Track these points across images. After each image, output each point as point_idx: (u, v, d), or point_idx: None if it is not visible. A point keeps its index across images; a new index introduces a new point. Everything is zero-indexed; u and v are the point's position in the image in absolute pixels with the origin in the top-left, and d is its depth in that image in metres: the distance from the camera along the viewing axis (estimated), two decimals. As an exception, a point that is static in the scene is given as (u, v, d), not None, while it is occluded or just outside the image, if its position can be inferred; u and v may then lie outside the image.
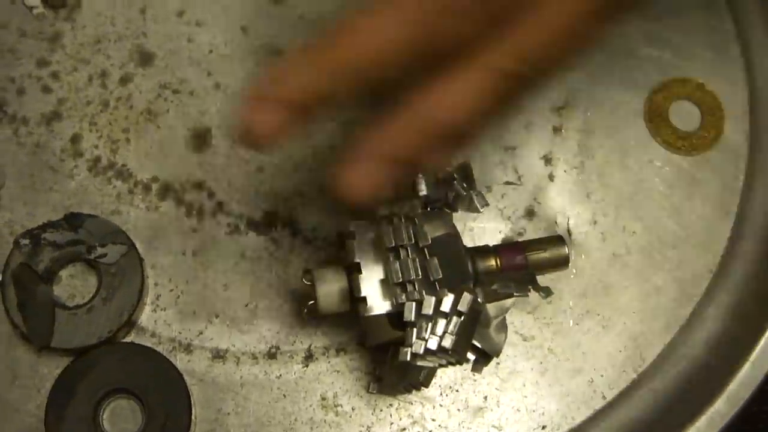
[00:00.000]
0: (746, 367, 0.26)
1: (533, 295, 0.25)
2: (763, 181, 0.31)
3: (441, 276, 0.22)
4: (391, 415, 0.27)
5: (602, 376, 0.28)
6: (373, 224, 0.23)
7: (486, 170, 0.30)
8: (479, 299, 0.22)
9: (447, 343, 0.21)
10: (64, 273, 0.28)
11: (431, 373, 0.24)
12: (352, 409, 0.27)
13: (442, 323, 0.21)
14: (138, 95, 0.30)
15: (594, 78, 0.31)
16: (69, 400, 0.26)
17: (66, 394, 0.26)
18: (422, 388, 0.24)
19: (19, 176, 0.30)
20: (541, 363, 0.28)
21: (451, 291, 0.21)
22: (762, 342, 0.27)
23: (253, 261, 0.29)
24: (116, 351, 0.27)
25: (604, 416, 0.28)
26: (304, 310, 0.24)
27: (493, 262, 0.24)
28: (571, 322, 0.28)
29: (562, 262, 0.24)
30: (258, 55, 0.31)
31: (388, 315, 0.23)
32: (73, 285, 0.28)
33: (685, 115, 0.32)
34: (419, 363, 0.22)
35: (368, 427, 0.27)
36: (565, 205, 0.30)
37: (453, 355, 0.21)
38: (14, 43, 0.31)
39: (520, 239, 0.28)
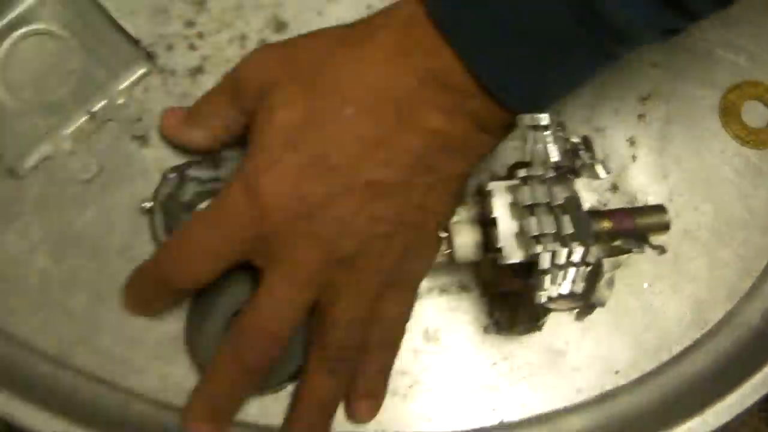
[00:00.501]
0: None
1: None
2: None
3: (572, 231, 0.25)
4: (484, 351, 0.31)
5: (669, 333, 0.31)
6: (509, 185, 0.27)
7: (577, 146, 0.33)
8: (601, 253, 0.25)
9: (578, 288, 0.24)
10: (204, 205, 0.32)
11: (547, 316, 0.27)
12: (451, 342, 0.31)
13: (572, 271, 0.25)
14: (272, 57, 0.35)
15: (677, 75, 0.35)
16: (207, 314, 0.30)
17: (204, 307, 0.30)
18: (536, 331, 0.28)
19: (165, 119, 0.34)
20: (617, 317, 0.31)
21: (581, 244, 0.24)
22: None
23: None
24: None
25: (668, 368, 0.31)
26: (441, 259, 0.28)
27: (605, 224, 0.27)
28: (646, 284, 0.32)
29: (664, 227, 0.28)
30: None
31: (511, 265, 0.26)
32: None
33: (754, 114, 0.35)
34: (550, 306, 0.25)
35: (464, 358, 0.31)
36: (644, 183, 0.34)
37: (579, 300, 0.25)
38: (166, 5, 0.35)
39: (605, 208, 0.32)
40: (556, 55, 0.26)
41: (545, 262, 0.25)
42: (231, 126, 0.30)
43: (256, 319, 0.27)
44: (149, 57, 0.34)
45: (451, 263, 0.29)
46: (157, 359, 0.32)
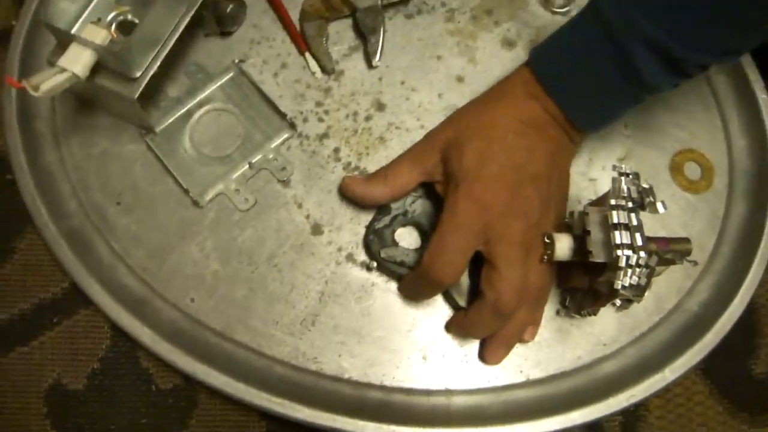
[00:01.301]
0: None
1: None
2: (736, 211, 0.48)
3: (641, 244, 0.36)
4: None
5: (639, 316, 0.45)
6: (600, 209, 0.38)
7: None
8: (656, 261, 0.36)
9: (642, 282, 0.35)
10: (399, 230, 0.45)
11: (603, 305, 0.39)
12: None
13: (638, 271, 0.36)
14: (375, 128, 0.48)
15: (641, 142, 0.49)
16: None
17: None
18: (594, 315, 0.41)
19: (301, 169, 0.47)
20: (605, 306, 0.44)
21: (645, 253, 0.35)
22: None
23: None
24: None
25: (639, 340, 0.45)
26: (544, 257, 0.40)
27: (653, 245, 0.38)
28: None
29: (688, 252, 0.39)
30: (447, 111, 0.48)
31: (594, 264, 0.37)
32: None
33: (692, 170, 0.49)
34: (622, 292, 0.35)
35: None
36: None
37: (640, 292, 0.35)
38: (303, 91, 0.49)
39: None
40: (611, 101, 0.41)
41: (623, 261, 0.36)
42: (409, 183, 0.43)
43: (511, 281, 0.38)
44: (292, 126, 0.47)
45: (547, 262, 0.40)
46: (290, 335, 0.43)
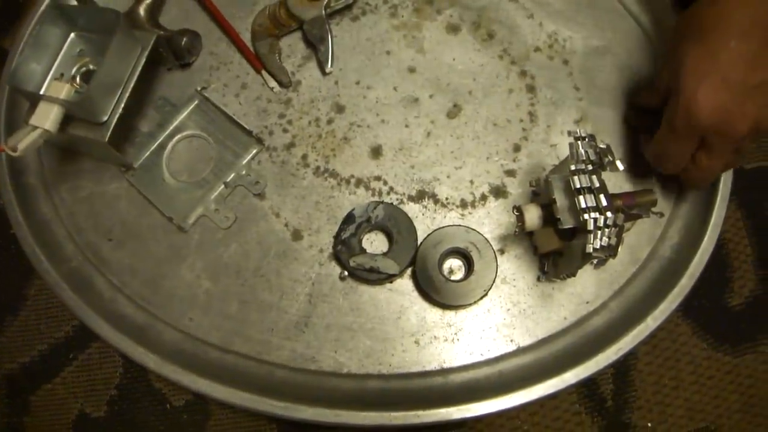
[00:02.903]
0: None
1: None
2: None
3: (606, 204, 0.35)
4: (500, 302, 0.42)
5: (617, 270, 0.44)
6: (561, 175, 0.38)
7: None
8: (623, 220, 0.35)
9: (613, 242, 0.35)
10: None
11: (580, 267, 0.38)
12: (517, 279, 0.43)
13: (607, 231, 0.35)
14: (338, 129, 0.48)
15: (595, 103, 0.48)
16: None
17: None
18: (572, 276, 0.40)
19: (274, 180, 0.47)
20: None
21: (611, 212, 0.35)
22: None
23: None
24: None
25: (619, 294, 0.44)
26: (515, 230, 0.39)
27: (619, 201, 0.38)
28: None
29: (653, 203, 0.39)
30: (404, 102, 0.48)
31: (564, 230, 0.37)
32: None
33: None
34: (594, 255, 0.35)
35: (487, 308, 0.42)
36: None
37: (612, 251, 0.35)
38: (265, 106, 0.49)
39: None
40: None
41: (591, 225, 0.35)
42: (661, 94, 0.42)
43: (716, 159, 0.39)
44: (259, 141, 0.48)
45: (520, 233, 0.40)
46: (286, 339, 0.44)
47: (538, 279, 0.44)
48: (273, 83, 0.49)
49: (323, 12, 0.49)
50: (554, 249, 0.42)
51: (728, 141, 0.38)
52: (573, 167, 0.37)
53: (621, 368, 0.44)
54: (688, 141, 0.39)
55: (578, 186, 0.37)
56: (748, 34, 0.37)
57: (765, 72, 0.37)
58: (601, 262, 0.41)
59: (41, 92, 0.45)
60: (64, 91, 0.43)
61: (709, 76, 0.37)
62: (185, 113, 0.49)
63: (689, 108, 0.37)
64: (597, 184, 0.36)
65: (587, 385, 0.44)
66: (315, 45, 0.49)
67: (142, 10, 0.50)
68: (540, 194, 0.44)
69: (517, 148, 0.47)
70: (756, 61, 0.37)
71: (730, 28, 0.37)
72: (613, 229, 0.35)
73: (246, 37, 0.50)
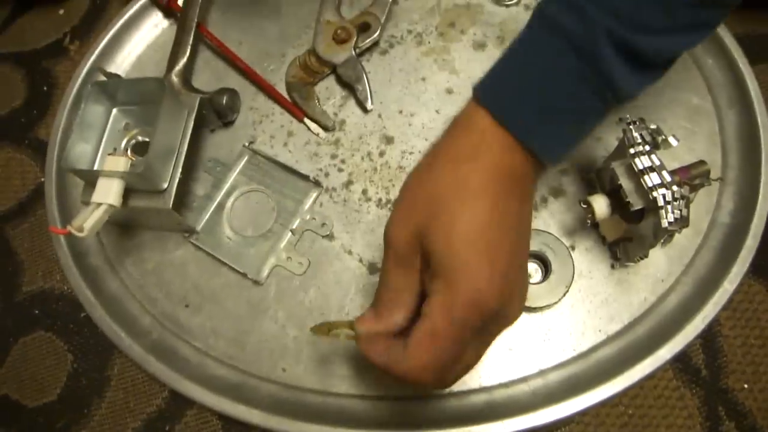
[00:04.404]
0: None
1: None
2: (729, 121, 0.48)
3: (670, 180, 0.36)
4: (534, 326, 0.42)
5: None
6: (622, 162, 0.38)
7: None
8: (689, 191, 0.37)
9: (685, 213, 0.36)
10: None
11: (653, 246, 0.39)
12: (593, 271, 0.43)
13: (676, 204, 0.36)
14: (391, 160, 0.48)
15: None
16: None
17: None
18: (645, 258, 0.40)
19: (339, 219, 0.47)
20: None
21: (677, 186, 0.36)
22: None
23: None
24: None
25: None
26: (587, 221, 0.39)
27: (677, 176, 0.38)
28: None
29: (707, 173, 0.40)
30: (448, 123, 0.48)
31: (624, 216, 0.37)
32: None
33: None
34: (670, 228, 0.36)
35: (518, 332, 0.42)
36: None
37: (685, 221, 0.36)
38: (316, 150, 0.49)
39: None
40: (580, 123, 0.32)
41: (661, 200, 0.36)
42: (413, 287, 0.31)
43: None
44: (317, 184, 0.48)
45: (591, 225, 0.40)
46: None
47: (612, 267, 0.44)
48: (318, 129, 0.49)
49: (353, 52, 0.49)
50: (622, 236, 0.43)
51: (508, 320, 0.31)
52: (632, 150, 0.38)
53: (708, 337, 0.45)
54: (472, 335, 0.30)
55: (641, 167, 0.38)
56: (507, 193, 0.31)
57: (526, 235, 0.32)
58: (668, 239, 0.41)
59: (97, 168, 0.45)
60: (122, 163, 0.43)
61: (489, 251, 0.29)
62: (237, 170, 0.49)
63: (477, 294, 0.29)
64: (658, 162, 0.38)
65: (680, 359, 0.44)
66: (351, 85, 0.49)
67: (175, 77, 0.50)
68: (596, 186, 0.45)
69: (562, 148, 0.48)
70: (518, 222, 0.31)
71: (493, 190, 0.30)
72: (681, 201, 0.37)
73: (281, 89, 0.51)
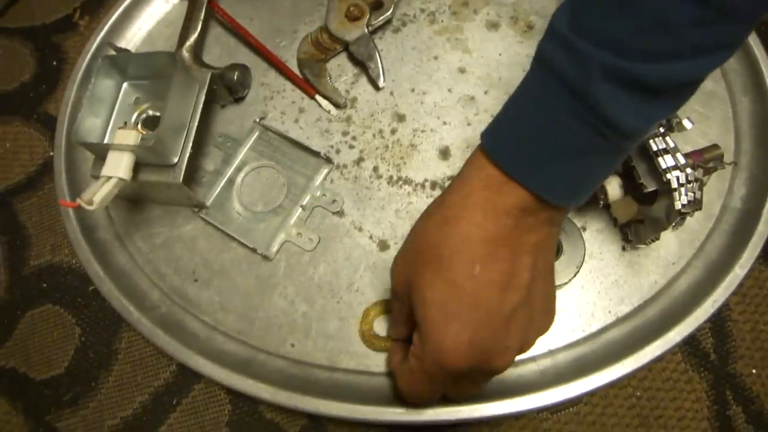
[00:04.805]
0: None
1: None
2: (742, 107, 0.48)
3: (684, 162, 0.36)
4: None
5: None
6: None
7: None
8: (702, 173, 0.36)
9: (698, 195, 0.36)
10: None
11: (666, 228, 0.38)
12: (603, 252, 0.43)
13: (689, 186, 0.36)
14: (403, 138, 0.48)
15: None
16: None
17: None
18: (657, 240, 0.40)
19: (350, 196, 0.47)
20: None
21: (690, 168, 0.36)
22: None
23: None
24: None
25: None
26: (600, 202, 0.39)
27: (690, 160, 0.38)
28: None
29: (720, 156, 0.39)
30: (461, 101, 0.48)
31: (637, 198, 0.37)
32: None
33: None
34: (683, 210, 0.35)
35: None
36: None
37: (698, 204, 0.36)
38: (327, 126, 0.49)
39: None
40: (585, 161, 0.30)
41: (675, 182, 0.36)
42: (409, 318, 0.35)
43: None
44: (328, 160, 0.47)
45: (603, 206, 0.40)
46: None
47: (623, 249, 0.44)
48: (329, 106, 0.49)
49: (366, 30, 0.48)
50: (634, 218, 0.42)
51: (493, 373, 0.32)
52: (650, 133, 0.38)
53: (717, 321, 0.44)
54: (443, 380, 0.33)
55: (655, 149, 0.37)
56: (491, 255, 0.30)
57: (516, 293, 0.31)
58: (680, 222, 0.41)
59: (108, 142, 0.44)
60: (132, 137, 0.42)
61: (458, 317, 0.30)
62: (248, 145, 0.48)
63: (440, 355, 0.30)
64: (672, 145, 0.37)
65: (689, 343, 0.44)
66: (363, 62, 0.48)
67: (185, 52, 0.49)
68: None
69: (574, 129, 0.47)
70: (504, 283, 0.30)
71: (470, 253, 0.30)
72: (695, 183, 0.36)
73: (293, 65, 0.50)
